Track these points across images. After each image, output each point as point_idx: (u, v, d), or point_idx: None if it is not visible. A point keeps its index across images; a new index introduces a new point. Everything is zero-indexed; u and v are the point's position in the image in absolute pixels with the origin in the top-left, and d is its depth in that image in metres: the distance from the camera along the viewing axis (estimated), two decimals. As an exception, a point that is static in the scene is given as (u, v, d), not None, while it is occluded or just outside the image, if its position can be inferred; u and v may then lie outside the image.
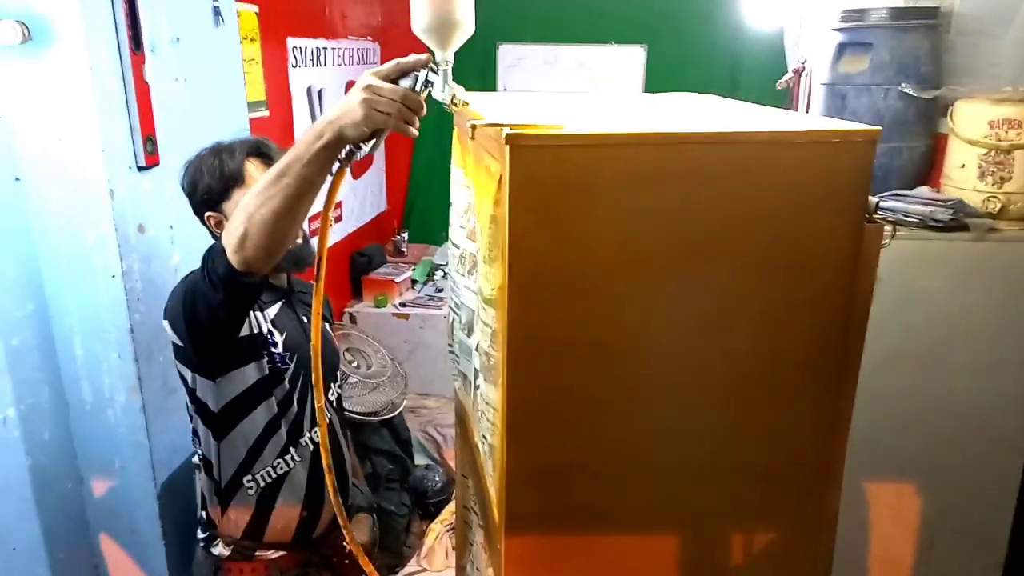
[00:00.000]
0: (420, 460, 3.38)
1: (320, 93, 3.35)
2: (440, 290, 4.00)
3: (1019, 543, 1.92)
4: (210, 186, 1.51)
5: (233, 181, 1.50)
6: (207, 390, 1.48)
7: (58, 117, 1.62)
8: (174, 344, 1.46)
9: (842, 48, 2.14)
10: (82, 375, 1.78)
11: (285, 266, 1.56)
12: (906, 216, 1.75)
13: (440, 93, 1.09)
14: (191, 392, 1.51)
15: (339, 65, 3.59)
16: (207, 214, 1.54)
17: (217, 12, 2.03)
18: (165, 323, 1.45)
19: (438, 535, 3.14)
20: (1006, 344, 1.78)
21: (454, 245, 1.56)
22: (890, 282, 1.68)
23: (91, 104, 1.61)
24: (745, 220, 1.14)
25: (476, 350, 1.36)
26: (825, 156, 1.12)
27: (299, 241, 1.54)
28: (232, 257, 1.24)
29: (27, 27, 1.55)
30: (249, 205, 1.19)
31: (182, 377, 1.52)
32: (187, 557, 1.89)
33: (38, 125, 1.63)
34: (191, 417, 1.55)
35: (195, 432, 1.56)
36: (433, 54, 1.08)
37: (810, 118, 1.80)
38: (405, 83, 1.08)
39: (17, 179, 1.65)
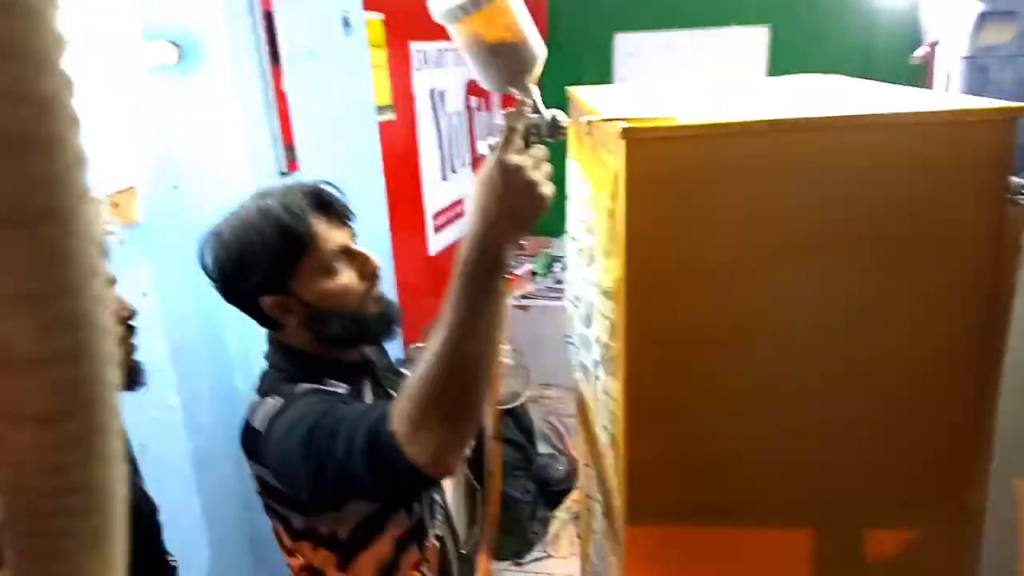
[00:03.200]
0: (543, 449, 3.44)
1: (443, 94, 3.46)
2: (560, 282, 4.04)
3: None
4: (271, 263, 1.12)
5: (302, 249, 1.13)
6: (329, 521, 1.16)
7: (209, 129, 1.77)
8: (271, 486, 1.15)
9: (983, 17, 2.00)
10: (236, 366, 1.93)
11: (362, 341, 1.26)
12: (1058, 196, 1.61)
13: (547, 128, 1.02)
14: (298, 532, 1.18)
15: (460, 65, 3.68)
16: (264, 299, 1.15)
17: (347, 23, 2.14)
18: (251, 463, 1.20)
19: (562, 523, 3.19)
20: None
21: (572, 238, 1.59)
22: (1042, 267, 1.57)
23: (238, 116, 1.75)
24: (875, 208, 1.10)
25: (595, 342, 1.38)
26: (961, 137, 1.07)
27: (374, 309, 1.20)
28: (428, 470, 0.91)
29: (180, 47, 1.70)
30: (432, 403, 0.89)
31: (281, 518, 1.20)
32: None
33: (192, 137, 1.79)
34: (290, 554, 1.23)
35: (306, 569, 1.21)
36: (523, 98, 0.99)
37: (944, 96, 1.70)
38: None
39: (175, 187, 1.82)
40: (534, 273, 4.19)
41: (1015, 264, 1.12)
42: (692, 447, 1.17)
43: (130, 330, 1.24)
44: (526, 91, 0.95)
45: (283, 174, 1.86)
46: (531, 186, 0.91)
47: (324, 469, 0.99)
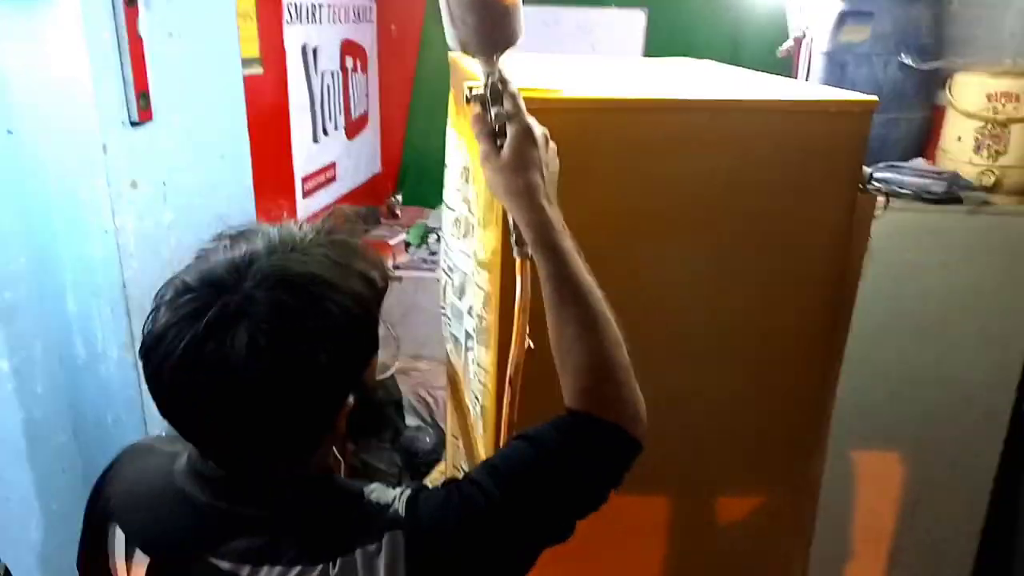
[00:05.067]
0: (411, 421, 3.41)
1: (315, 51, 3.30)
2: (434, 253, 4.00)
3: (998, 511, 1.96)
4: (371, 342, 0.84)
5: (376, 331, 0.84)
6: None
7: (51, 70, 1.60)
8: None
9: (843, 17, 2.12)
10: (75, 330, 1.78)
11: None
12: (900, 188, 1.75)
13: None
14: None
15: (335, 23, 3.53)
16: (349, 401, 0.82)
17: (212, -35, 2.00)
18: None
19: (428, 495, 3.18)
20: (996, 317, 1.80)
21: (448, 208, 1.56)
22: (884, 254, 1.69)
23: (84, 58, 1.59)
24: (740, 187, 1.14)
25: (469, 313, 1.37)
26: (821, 125, 1.13)
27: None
28: (639, 431, 0.89)
29: (18, -24, 1.53)
30: (615, 355, 0.88)
31: None
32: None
33: (31, 78, 1.61)
34: None
35: None
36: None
37: (807, 86, 1.79)
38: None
39: (10, 132, 1.64)
40: (407, 244, 4.12)
41: (863, 246, 1.20)
42: (560, 419, 1.18)
43: None
44: (495, 63, 0.92)
45: (134, 124, 1.71)
46: (549, 146, 0.92)
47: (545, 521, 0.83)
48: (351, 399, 0.81)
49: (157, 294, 0.77)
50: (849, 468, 1.94)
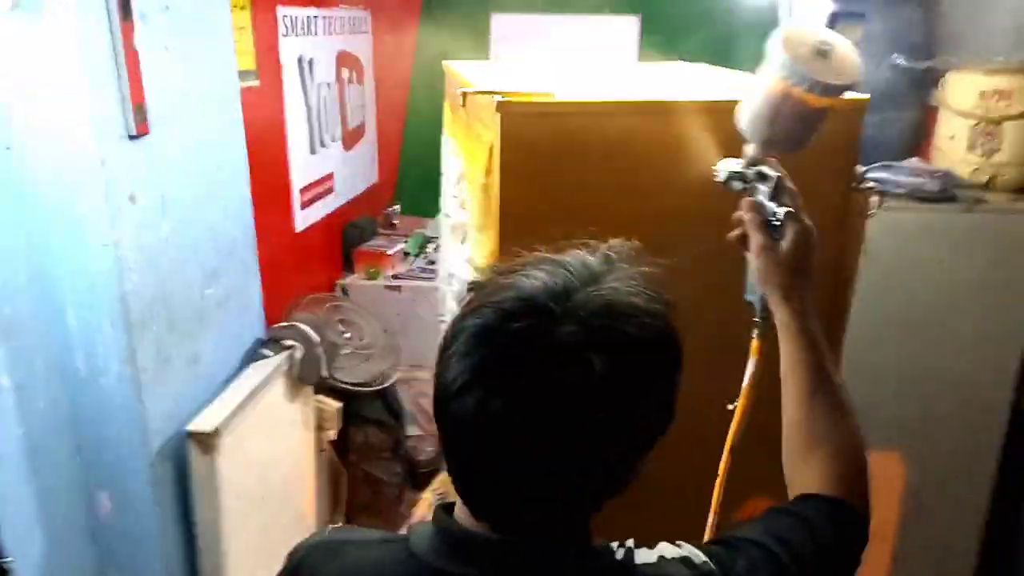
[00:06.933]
0: (412, 431, 3.42)
1: (311, 63, 3.32)
2: (432, 263, 4.00)
3: (1000, 508, 1.96)
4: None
5: None
6: None
7: (47, 85, 1.61)
8: None
9: (835, 17, 2.13)
10: (76, 344, 1.78)
11: None
12: (895, 187, 1.76)
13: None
14: None
15: (330, 34, 3.55)
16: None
17: (206, -21, 2.01)
18: None
19: (430, 504, 3.18)
20: (992, 314, 1.80)
21: (446, 215, 1.57)
22: (879, 254, 1.69)
23: (80, 72, 1.60)
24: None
25: (467, 318, 1.37)
26: (814, 125, 1.13)
27: None
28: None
29: (14, -7, 1.54)
30: (864, 446, 0.89)
31: None
32: (178, 521, 1.92)
33: (28, 94, 1.62)
34: None
35: None
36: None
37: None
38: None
39: (8, 148, 1.64)
40: (406, 253, 4.13)
41: (857, 244, 1.20)
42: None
43: None
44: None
45: (131, 137, 1.72)
46: (808, 226, 0.95)
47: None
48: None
49: (457, 328, 0.70)
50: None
